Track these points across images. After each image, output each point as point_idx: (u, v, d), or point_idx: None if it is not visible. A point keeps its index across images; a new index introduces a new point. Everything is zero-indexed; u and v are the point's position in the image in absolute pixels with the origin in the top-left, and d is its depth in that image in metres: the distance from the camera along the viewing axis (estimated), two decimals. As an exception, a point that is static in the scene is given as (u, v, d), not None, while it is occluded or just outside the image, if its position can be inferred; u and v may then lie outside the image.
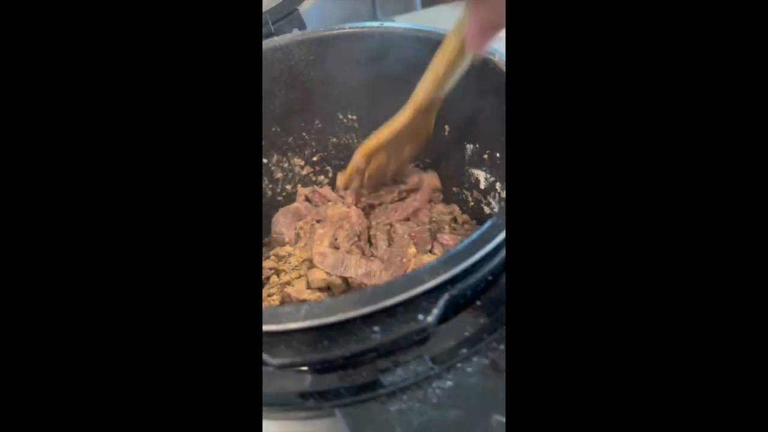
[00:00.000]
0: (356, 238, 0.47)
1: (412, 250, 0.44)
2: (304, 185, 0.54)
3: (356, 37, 0.43)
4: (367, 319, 0.21)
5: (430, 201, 0.51)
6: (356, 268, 0.43)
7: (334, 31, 0.43)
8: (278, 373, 0.22)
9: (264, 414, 0.22)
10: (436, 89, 0.35)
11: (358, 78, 0.46)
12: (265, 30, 0.44)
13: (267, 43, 0.42)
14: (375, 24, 0.43)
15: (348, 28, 0.43)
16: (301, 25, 0.47)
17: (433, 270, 0.21)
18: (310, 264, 0.47)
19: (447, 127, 0.46)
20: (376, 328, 0.21)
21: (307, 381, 0.22)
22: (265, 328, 0.21)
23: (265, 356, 0.21)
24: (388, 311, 0.21)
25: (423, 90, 0.36)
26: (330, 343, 0.21)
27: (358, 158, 0.43)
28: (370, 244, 0.48)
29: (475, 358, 0.22)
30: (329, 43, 0.44)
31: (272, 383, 0.22)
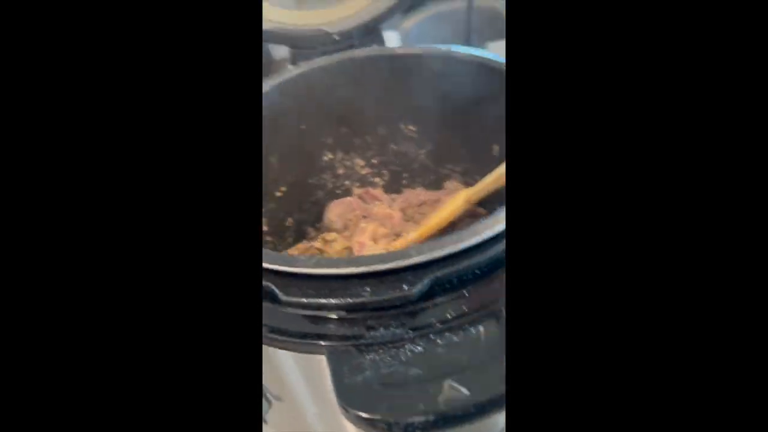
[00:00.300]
0: (394, 237, 0.52)
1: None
2: (362, 183, 0.60)
3: (424, 57, 0.48)
4: (361, 278, 0.26)
5: (470, 216, 0.54)
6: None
7: (406, 51, 0.49)
8: (287, 310, 0.27)
9: (270, 340, 0.28)
10: (494, 189, 0.39)
11: (422, 94, 0.51)
12: (348, 44, 0.52)
13: (347, 54, 0.49)
14: (443, 47, 0.48)
15: (419, 48, 0.49)
16: (381, 42, 0.54)
17: (419, 249, 0.25)
18: (350, 251, 0.52)
19: (496, 147, 0.50)
20: (367, 288, 0.26)
21: (307, 323, 0.27)
22: (282, 268, 0.26)
23: (278, 292, 0.27)
24: (378, 275, 0.25)
25: (482, 189, 0.40)
26: (329, 292, 0.26)
27: (413, 239, 0.46)
28: (408, 245, 0.52)
29: (447, 334, 0.26)
30: (400, 61, 0.50)
31: (280, 317, 0.28)
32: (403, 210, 0.55)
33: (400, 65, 0.50)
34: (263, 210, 0.52)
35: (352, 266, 0.25)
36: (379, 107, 0.53)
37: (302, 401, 0.34)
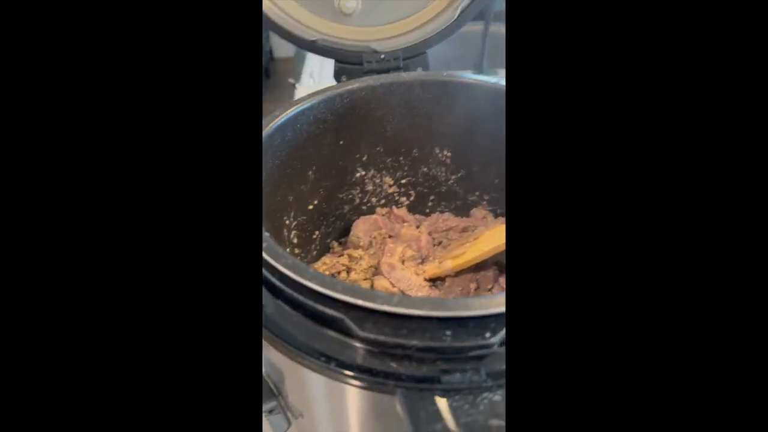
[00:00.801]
0: (421, 261, 0.52)
1: (474, 285, 0.47)
2: (387, 202, 0.59)
3: (470, 86, 0.49)
4: (443, 321, 0.25)
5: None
6: (418, 290, 0.47)
7: (454, 79, 0.49)
8: (361, 345, 0.27)
9: (339, 375, 0.27)
10: None
11: (461, 122, 0.51)
12: (394, 64, 0.51)
13: (394, 77, 0.49)
14: (492, 80, 0.48)
15: (467, 78, 0.49)
16: (425, 65, 0.54)
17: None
18: (376, 270, 0.52)
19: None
20: (448, 332, 0.25)
21: (381, 360, 0.27)
22: (361, 303, 0.26)
23: (354, 327, 0.26)
24: (461, 321, 0.25)
25: None
26: (408, 332, 0.26)
27: (449, 268, 0.47)
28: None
29: (523, 384, 0.26)
30: (446, 88, 0.50)
31: (354, 353, 0.27)
32: (430, 233, 0.56)
33: (445, 91, 0.50)
34: (295, 223, 0.51)
35: (436, 309, 0.25)
36: (419, 130, 0.53)
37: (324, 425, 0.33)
